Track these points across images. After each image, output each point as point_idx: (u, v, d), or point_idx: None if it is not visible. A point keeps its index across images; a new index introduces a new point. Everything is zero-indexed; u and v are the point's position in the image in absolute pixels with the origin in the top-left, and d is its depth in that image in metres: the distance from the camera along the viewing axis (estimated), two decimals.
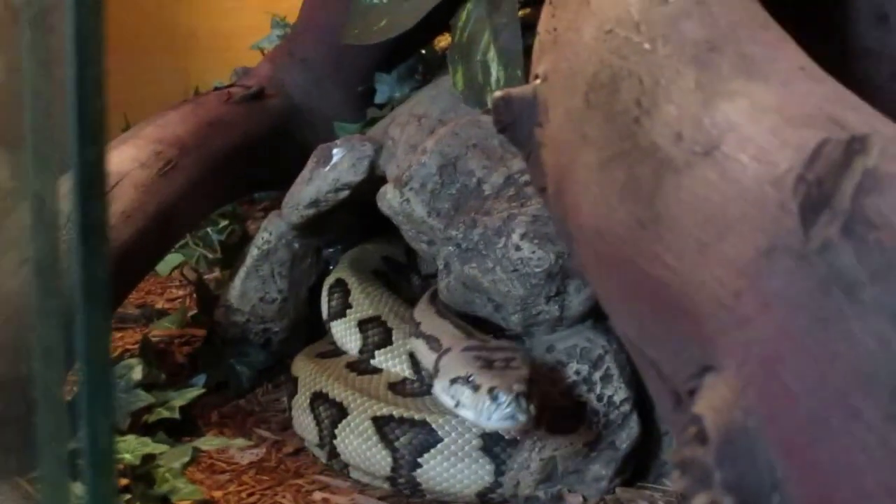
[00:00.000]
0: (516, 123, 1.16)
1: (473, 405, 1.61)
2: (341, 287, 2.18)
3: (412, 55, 2.49)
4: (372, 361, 2.07)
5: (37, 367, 0.91)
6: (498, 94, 1.17)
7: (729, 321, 0.79)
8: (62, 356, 0.88)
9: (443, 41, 2.48)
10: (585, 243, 1.01)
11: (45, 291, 0.88)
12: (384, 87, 2.46)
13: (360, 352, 2.09)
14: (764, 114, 0.88)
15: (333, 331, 2.18)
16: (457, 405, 1.64)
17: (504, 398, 1.57)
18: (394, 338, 2.04)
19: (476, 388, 1.61)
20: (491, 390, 1.58)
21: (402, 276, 2.32)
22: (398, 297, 2.16)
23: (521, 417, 1.58)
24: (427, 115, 2.05)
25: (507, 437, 1.86)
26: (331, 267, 2.31)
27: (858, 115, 0.88)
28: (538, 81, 1.16)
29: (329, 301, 2.20)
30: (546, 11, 1.24)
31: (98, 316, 0.77)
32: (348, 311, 2.13)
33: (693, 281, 0.83)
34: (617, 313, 1.04)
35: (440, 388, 1.70)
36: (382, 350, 2.05)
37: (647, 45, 1.00)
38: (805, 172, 0.80)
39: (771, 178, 0.81)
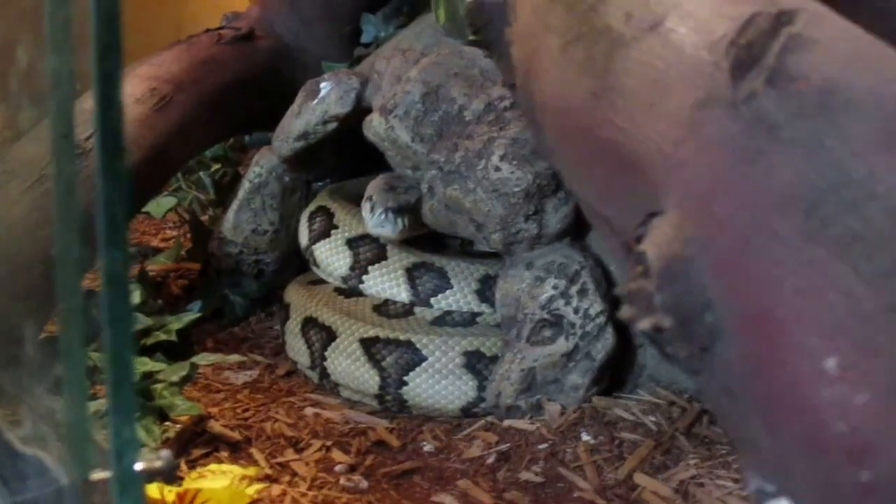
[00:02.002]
0: (489, 26, 1.28)
1: (364, 215, 2.06)
2: (323, 212, 2.27)
3: None
4: (364, 277, 2.16)
5: (58, 276, 1.02)
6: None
7: (670, 167, 0.90)
8: (80, 266, 0.99)
9: None
10: (549, 121, 1.13)
11: (65, 207, 1.00)
12: (370, 28, 2.57)
13: (351, 268, 2.18)
14: None
15: (317, 253, 2.26)
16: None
17: (378, 209, 2.00)
18: (388, 253, 2.14)
19: (370, 203, 2.03)
20: (372, 205, 2.02)
21: None
22: None
23: (387, 227, 2.01)
24: (411, 49, 2.16)
25: (488, 354, 1.98)
26: None
27: None
28: None
29: (310, 226, 2.30)
30: None
31: (117, 226, 0.88)
32: (333, 231, 2.23)
33: (641, 137, 0.94)
34: (577, 181, 1.16)
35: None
36: (377, 265, 2.15)
37: None
38: (737, 38, 0.92)
39: (707, 44, 0.93)
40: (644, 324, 0.88)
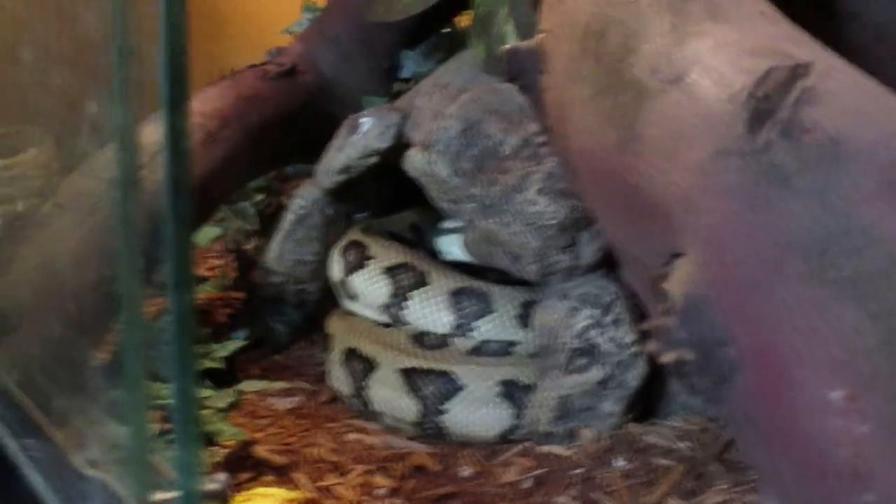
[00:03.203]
0: (524, 72, 1.36)
1: None
2: (356, 246, 2.34)
3: (435, 33, 2.68)
4: (406, 304, 2.22)
5: (124, 313, 1.12)
6: (507, 47, 1.37)
7: (690, 213, 0.99)
8: (141, 304, 1.08)
9: (463, 20, 2.67)
10: (580, 165, 1.21)
11: (128, 249, 1.09)
12: (409, 63, 2.67)
13: (393, 295, 2.24)
14: (725, 48, 1.08)
15: (354, 283, 2.30)
16: None
17: None
18: (428, 279, 2.21)
19: None
20: None
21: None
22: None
23: None
24: (450, 85, 2.25)
25: (524, 383, 2.06)
26: None
27: (805, 48, 1.08)
28: (542, 35, 1.36)
29: (345, 258, 2.34)
30: None
31: (185, 270, 0.97)
32: (368, 262, 2.29)
33: (663, 183, 1.03)
34: (606, 221, 1.24)
35: None
36: (419, 291, 2.21)
37: None
38: (755, 90, 1.00)
39: (726, 96, 1.01)
40: (668, 357, 0.96)
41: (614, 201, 1.14)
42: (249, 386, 2.12)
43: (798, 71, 1.00)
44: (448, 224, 2.27)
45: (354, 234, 2.38)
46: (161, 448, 1.17)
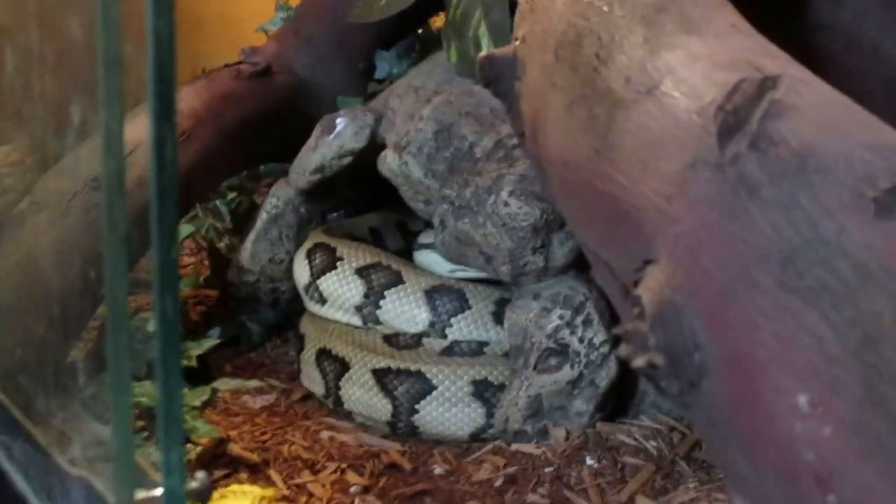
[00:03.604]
0: (499, 79, 1.39)
1: None
2: (323, 248, 2.36)
3: (409, 34, 2.71)
4: (381, 303, 2.25)
5: (109, 316, 1.14)
6: (483, 54, 1.40)
7: (663, 221, 1.02)
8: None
9: (437, 22, 2.70)
10: (554, 173, 1.24)
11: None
12: (384, 64, 2.69)
13: (366, 296, 2.26)
14: (697, 61, 1.11)
15: (324, 286, 2.33)
16: None
17: None
18: (403, 278, 2.24)
19: None
20: None
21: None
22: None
23: None
24: (424, 87, 2.28)
25: (496, 383, 2.10)
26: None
27: (774, 61, 1.11)
28: (517, 43, 1.39)
29: (310, 262, 2.37)
30: None
31: (171, 276, 0.99)
32: (338, 263, 2.32)
33: (637, 193, 1.06)
34: (579, 227, 1.27)
35: None
36: (393, 290, 2.24)
37: (605, 8, 1.24)
38: (724, 103, 1.03)
39: (697, 108, 1.04)
40: (639, 361, 0.99)
41: (588, 208, 1.17)
42: (224, 384, 2.14)
43: (766, 84, 1.04)
44: (425, 239, 2.30)
45: (317, 237, 2.40)
46: (140, 446, 1.19)
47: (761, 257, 0.93)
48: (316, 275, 2.34)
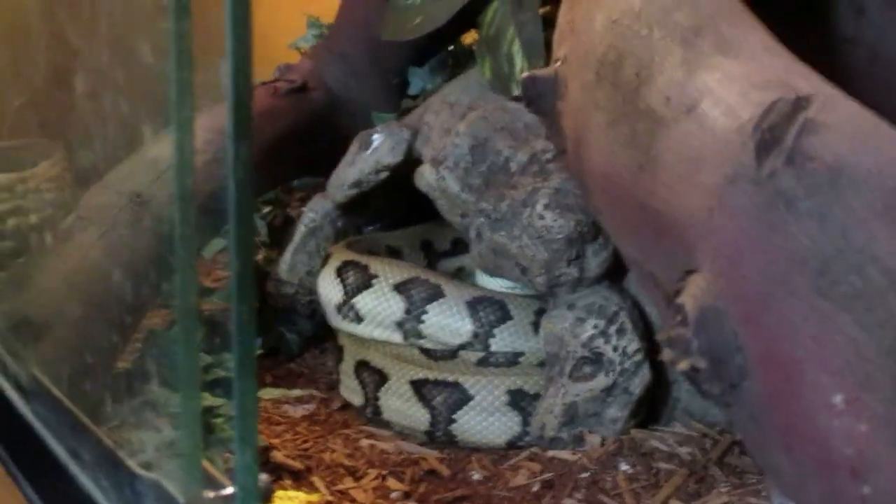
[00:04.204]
0: (541, 98, 1.48)
1: None
2: (354, 266, 2.39)
3: (443, 50, 2.79)
4: (424, 317, 2.30)
5: (180, 332, 1.23)
6: (525, 74, 1.48)
7: (703, 232, 1.10)
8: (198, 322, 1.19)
9: (469, 38, 2.78)
10: (597, 187, 1.32)
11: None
12: (417, 80, 2.78)
13: (407, 311, 2.31)
14: (733, 81, 1.20)
15: (360, 304, 2.35)
16: None
17: None
18: (445, 291, 2.29)
19: None
20: None
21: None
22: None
23: None
24: (458, 103, 2.37)
25: (531, 392, 2.17)
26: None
27: (807, 81, 1.19)
28: (559, 63, 1.47)
29: (343, 281, 2.39)
30: (564, 5, 1.56)
31: (245, 286, 1.08)
32: (374, 280, 2.35)
33: (678, 206, 1.14)
34: (622, 240, 1.35)
35: None
36: (435, 303, 2.29)
37: (645, 31, 1.32)
38: (761, 122, 1.11)
39: (735, 126, 1.13)
40: (682, 365, 1.07)
41: (631, 221, 1.25)
42: (265, 394, 2.23)
43: (800, 103, 1.12)
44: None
45: (343, 255, 2.44)
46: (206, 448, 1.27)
47: (798, 265, 1.01)
48: (351, 293, 2.37)
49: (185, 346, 1.18)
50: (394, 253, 2.52)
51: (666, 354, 1.10)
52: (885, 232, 0.99)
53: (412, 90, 2.78)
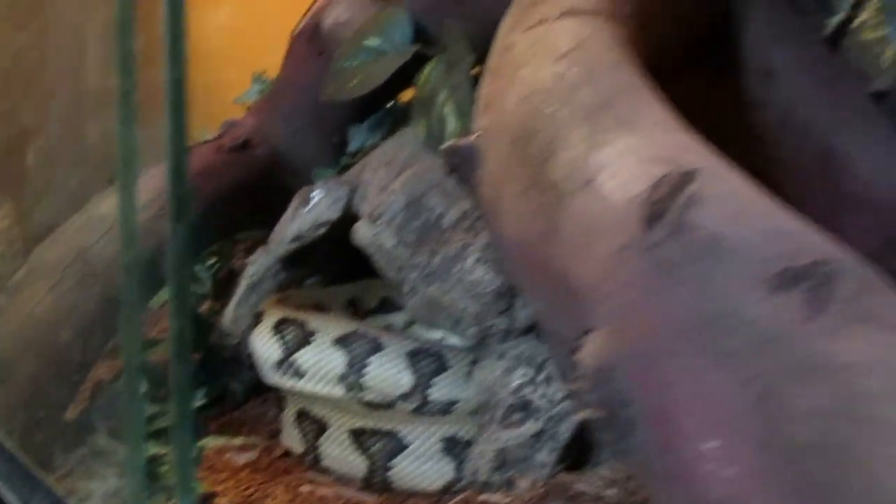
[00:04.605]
0: (462, 166, 1.61)
1: None
2: (291, 323, 2.47)
3: (381, 108, 2.93)
4: (364, 370, 2.41)
5: (125, 383, 1.34)
6: (447, 144, 1.61)
7: (599, 296, 1.23)
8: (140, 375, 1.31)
9: (407, 96, 2.91)
10: (510, 251, 1.45)
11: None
12: (357, 137, 2.91)
13: (349, 365, 2.41)
14: (628, 156, 1.33)
15: (301, 361, 2.42)
16: None
17: None
18: (384, 344, 2.39)
19: None
20: None
21: None
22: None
23: None
24: (395, 161, 2.50)
25: (464, 439, 2.29)
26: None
27: (695, 155, 1.33)
28: (478, 134, 1.61)
29: (281, 338, 2.46)
30: (485, 79, 1.70)
31: (184, 343, 1.19)
32: (314, 336, 2.43)
33: (578, 271, 1.27)
34: (532, 299, 1.49)
35: None
36: (376, 356, 2.40)
37: (552, 109, 1.45)
38: (650, 195, 1.25)
39: (627, 199, 1.26)
40: (582, 415, 1.20)
41: (538, 284, 1.38)
42: (208, 442, 2.34)
43: (686, 177, 1.25)
44: None
45: (277, 312, 2.52)
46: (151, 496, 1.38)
47: (679, 327, 1.14)
48: (290, 350, 2.44)
49: (129, 397, 1.29)
50: (320, 310, 2.62)
51: (571, 406, 1.22)
52: (756, 297, 1.12)
53: (352, 147, 2.91)
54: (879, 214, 2.09)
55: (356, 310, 2.68)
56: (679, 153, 1.32)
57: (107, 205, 2.46)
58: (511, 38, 1.69)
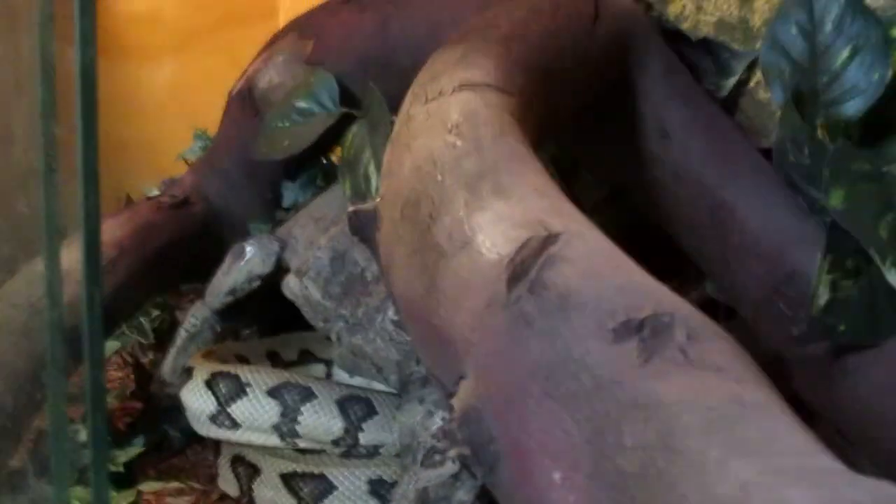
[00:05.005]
0: (363, 228, 1.81)
1: None
2: (224, 377, 2.65)
3: (312, 166, 3.13)
4: (299, 418, 2.60)
5: (51, 439, 1.51)
6: (350, 209, 1.81)
7: (469, 347, 1.42)
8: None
9: (336, 154, 3.12)
10: (401, 307, 1.65)
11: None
12: (290, 193, 3.11)
13: (283, 414, 2.60)
14: (501, 221, 1.53)
15: (236, 412, 2.61)
16: None
17: None
18: (316, 392, 2.58)
19: None
20: None
21: None
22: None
23: None
24: (323, 217, 2.69)
25: (389, 480, 2.48)
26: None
27: (560, 219, 1.53)
28: (378, 199, 1.80)
29: (214, 392, 2.64)
30: (388, 149, 1.90)
31: (99, 397, 1.37)
32: (248, 388, 2.63)
33: (453, 324, 1.47)
34: (419, 348, 1.68)
35: None
36: (308, 404, 2.58)
37: (439, 177, 1.65)
38: (514, 257, 1.44)
39: (496, 260, 1.46)
40: (453, 452, 1.39)
41: (423, 335, 1.58)
42: (148, 487, 2.52)
43: (548, 241, 1.45)
44: None
45: (207, 367, 2.69)
46: None
47: (533, 373, 1.33)
48: (225, 403, 2.62)
49: (56, 444, 1.47)
50: (243, 363, 2.81)
51: (444, 444, 1.42)
52: (596, 346, 1.31)
53: (285, 203, 3.12)
54: (767, 262, 2.30)
55: (275, 362, 2.87)
56: (546, 217, 1.52)
57: (38, 270, 2.63)
58: (411, 110, 1.90)
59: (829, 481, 1.09)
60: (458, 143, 1.71)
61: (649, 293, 1.40)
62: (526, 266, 1.43)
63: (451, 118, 1.78)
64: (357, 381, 2.64)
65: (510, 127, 1.79)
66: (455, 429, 1.39)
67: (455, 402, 1.41)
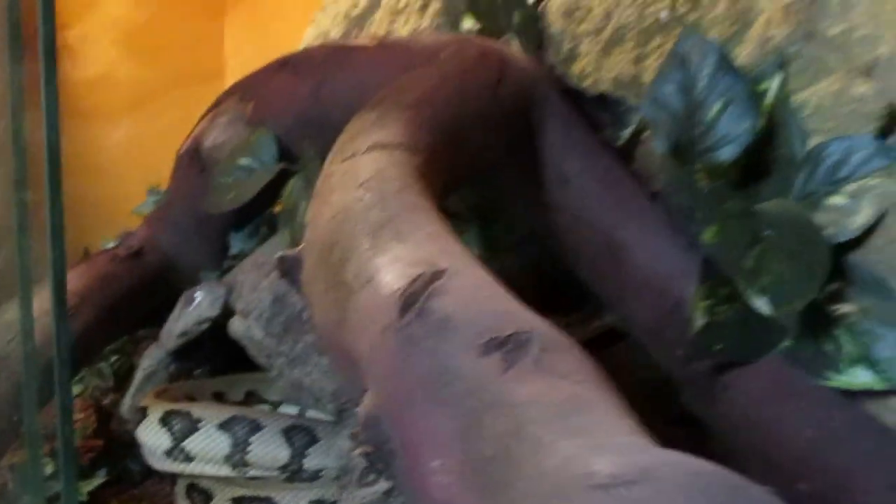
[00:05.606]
0: (290, 272, 2.18)
1: None
2: (177, 414, 3.00)
3: (256, 217, 3.51)
4: (249, 448, 2.97)
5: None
6: (278, 254, 2.18)
7: (370, 364, 1.80)
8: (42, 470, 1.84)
9: (279, 206, 3.50)
10: (320, 335, 2.02)
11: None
12: (237, 243, 3.49)
13: (234, 445, 2.97)
14: (398, 261, 1.91)
15: (191, 447, 2.96)
16: None
17: None
18: (263, 424, 2.96)
19: None
20: None
21: None
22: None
23: None
24: (265, 263, 3.07)
25: (329, 501, 2.85)
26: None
27: (447, 259, 1.91)
28: (302, 246, 2.18)
29: (169, 429, 2.98)
30: (311, 202, 2.27)
31: (68, 438, 1.72)
32: (200, 423, 2.99)
33: (358, 348, 1.84)
34: (335, 369, 2.05)
35: None
36: (256, 435, 2.95)
37: (350, 226, 2.03)
38: (406, 290, 1.82)
39: (391, 293, 1.83)
40: (358, 451, 1.76)
41: (337, 359, 1.95)
42: None
43: (435, 276, 1.82)
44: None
45: (161, 406, 3.06)
46: None
47: (418, 383, 1.71)
48: (179, 438, 2.98)
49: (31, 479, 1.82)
50: (192, 402, 3.17)
51: (351, 447, 1.78)
52: (468, 359, 1.68)
53: (233, 251, 3.50)
54: (656, 293, 2.69)
55: (221, 402, 3.24)
56: (435, 258, 1.90)
57: (11, 314, 2.99)
58: (331, 167, 2.28)
59: (628, 451, 1.46)
60: (367, 196, 2.10)
61: (514, 316, 1.78)
62: (415, 297, 1.80)
63: (362, 175, 2.17)
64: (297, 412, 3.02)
65: (413, 181, 2.17)
66: (362, 432, 1.76)
67: (360, 410, 1.78)
